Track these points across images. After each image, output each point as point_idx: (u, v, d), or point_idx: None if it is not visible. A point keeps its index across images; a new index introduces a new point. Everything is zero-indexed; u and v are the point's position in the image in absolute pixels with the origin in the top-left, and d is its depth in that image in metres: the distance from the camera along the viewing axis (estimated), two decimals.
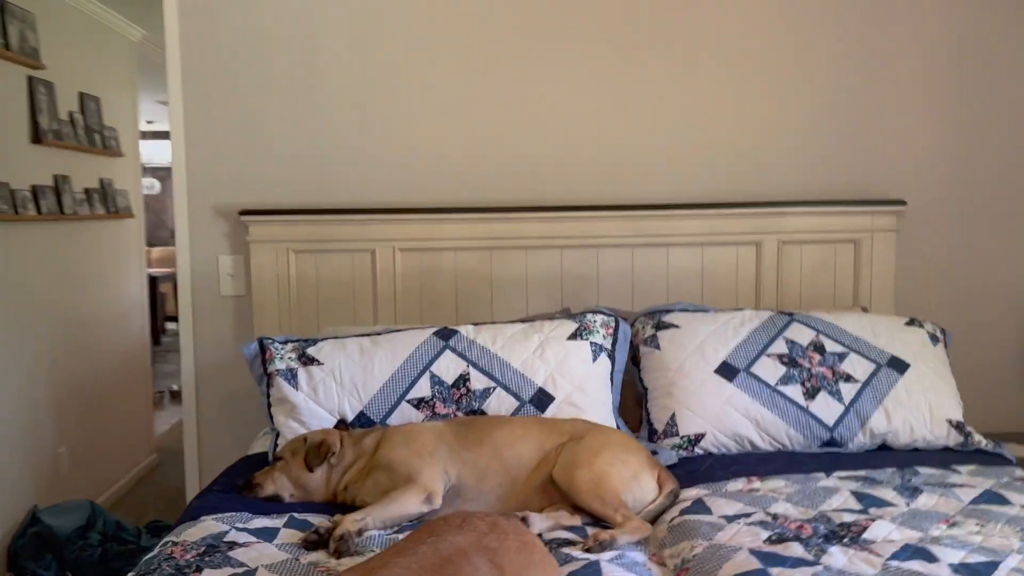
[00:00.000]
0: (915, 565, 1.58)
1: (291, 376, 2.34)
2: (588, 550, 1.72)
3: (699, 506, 1.93)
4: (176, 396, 5.94)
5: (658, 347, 2.50)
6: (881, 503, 1.91)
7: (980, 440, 2.36)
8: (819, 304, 3.04)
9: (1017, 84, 3.07)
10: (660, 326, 2.55)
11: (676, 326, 2.53)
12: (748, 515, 1.85)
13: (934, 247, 3.11)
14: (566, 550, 1.71)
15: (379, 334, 2.48)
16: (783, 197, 3.05)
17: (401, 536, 1.78)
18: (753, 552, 1.65)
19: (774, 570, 1.57)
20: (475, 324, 2.51)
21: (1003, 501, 1.91)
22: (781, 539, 1.70)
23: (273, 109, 2.93)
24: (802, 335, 2.48)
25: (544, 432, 2.12)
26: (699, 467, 2.23)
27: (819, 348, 2.45)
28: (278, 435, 2.32)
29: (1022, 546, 1.66)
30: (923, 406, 2.36)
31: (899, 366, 2.42)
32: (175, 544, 1.75)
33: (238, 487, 2.10)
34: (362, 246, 2.95)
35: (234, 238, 2.98)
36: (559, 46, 2.97)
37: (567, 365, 2.38)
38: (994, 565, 1.57)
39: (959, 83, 3.06)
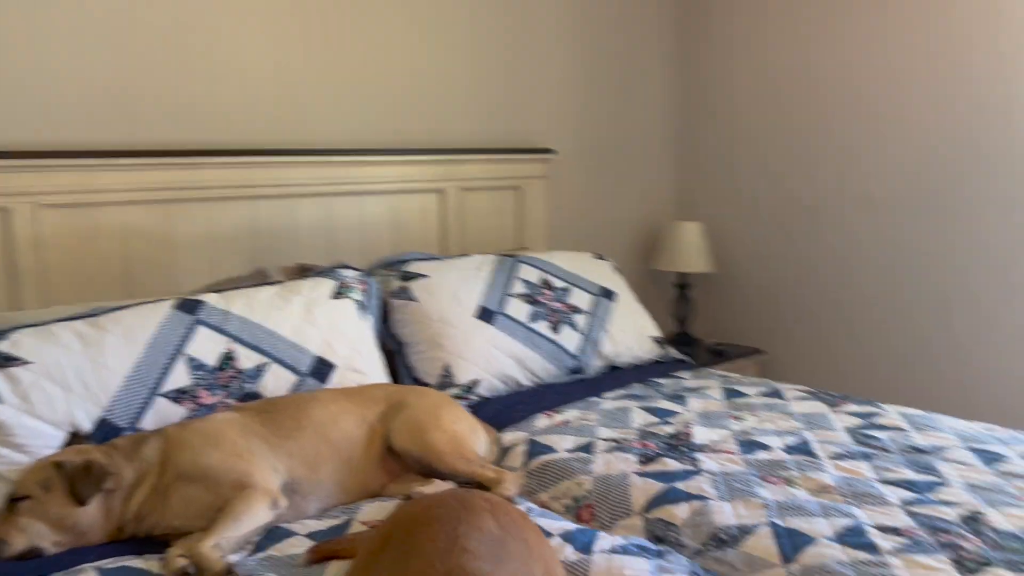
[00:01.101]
0: (762, 455, 1.85)
1: None
2: None
3: (540, 447, 1.95)
4: None
5: (413, 298, 2.39)
6: (669, 412, 2.16)
7: (673, 352, 2.79)
8: (492, 248, 3.20)
9: (629, 46, 3.60)
10: (408, 277, 2.43)
11: (426, 275, 2.44)
12: (590, 445, 1.93)
13: (572, 190, 3.51)
14: None
15: (92, 315, 1.90)
16: (461, 145, 3.12)
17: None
18: (642, 475, 1.74)
19: (679, 484, 1.69)
20: (217, 291, 2.08)
21: (739, 395, 2.32)
22: (648, 459, 1.83)
23: None
24: (531, 274, 2.62)
25: (357, 402, 1.89)
26: (488, 413, 2.22)
27: (549, 285, 2.61)
28: None
29: (798, 427, 2.05)
30: (634, 328, 2.70)
31: (609, 295, 2.72)
32: None
33: None
34: None
35: None
36: None
37: (339, 327, 2.13)
38: (805, 445, 1.92)
39: (585, 46, 3.47)
